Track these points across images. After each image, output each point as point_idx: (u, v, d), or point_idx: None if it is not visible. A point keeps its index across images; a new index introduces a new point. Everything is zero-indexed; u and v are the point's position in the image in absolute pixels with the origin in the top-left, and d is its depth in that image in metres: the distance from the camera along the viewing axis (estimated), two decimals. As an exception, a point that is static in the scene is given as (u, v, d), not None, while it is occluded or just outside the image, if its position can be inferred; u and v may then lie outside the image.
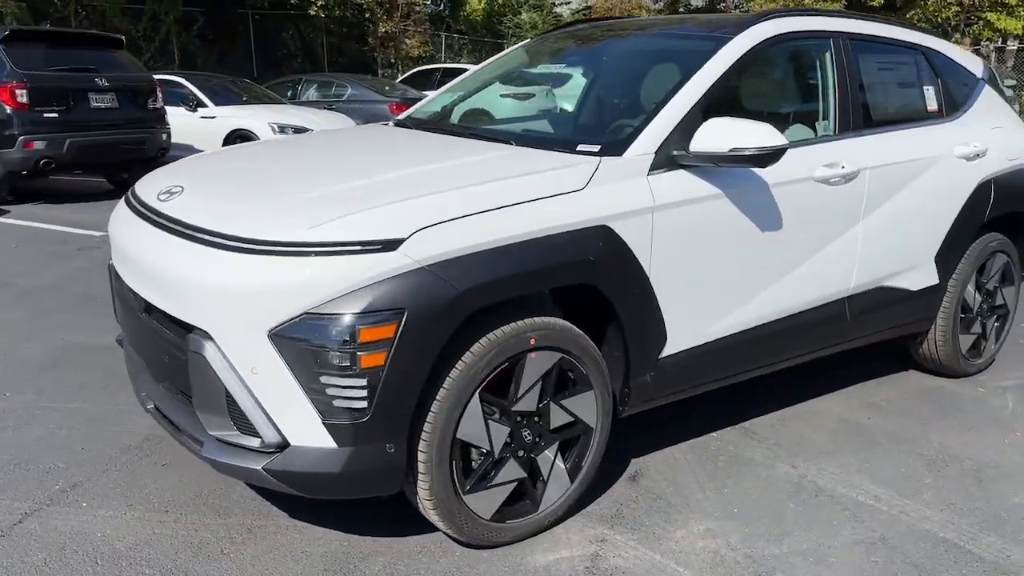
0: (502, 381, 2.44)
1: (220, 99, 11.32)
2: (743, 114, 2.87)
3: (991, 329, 4.16)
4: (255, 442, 2.26)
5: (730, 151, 2.67)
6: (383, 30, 22.88)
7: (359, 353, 2.14)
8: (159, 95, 9.59)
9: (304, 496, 2.34)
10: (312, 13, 21.04)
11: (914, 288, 3.67)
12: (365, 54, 23.48)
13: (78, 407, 3.45)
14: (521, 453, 2.54)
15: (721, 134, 2.68)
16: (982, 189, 3.80)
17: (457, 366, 2.32)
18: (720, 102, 2.96)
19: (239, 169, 3.04)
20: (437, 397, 2.30)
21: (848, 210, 3.28)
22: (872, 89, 3.53)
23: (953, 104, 3.88)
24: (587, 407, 2.64)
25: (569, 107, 3.89)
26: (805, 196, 3.10)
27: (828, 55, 3.36)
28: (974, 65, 4.10)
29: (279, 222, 2.27)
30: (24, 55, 8.40)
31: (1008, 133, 4.05)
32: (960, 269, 3.86)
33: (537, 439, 2.57)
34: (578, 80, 3.92)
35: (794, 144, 2.97)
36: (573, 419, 2.63)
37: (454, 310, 2.22)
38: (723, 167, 2.77)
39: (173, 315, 2.36)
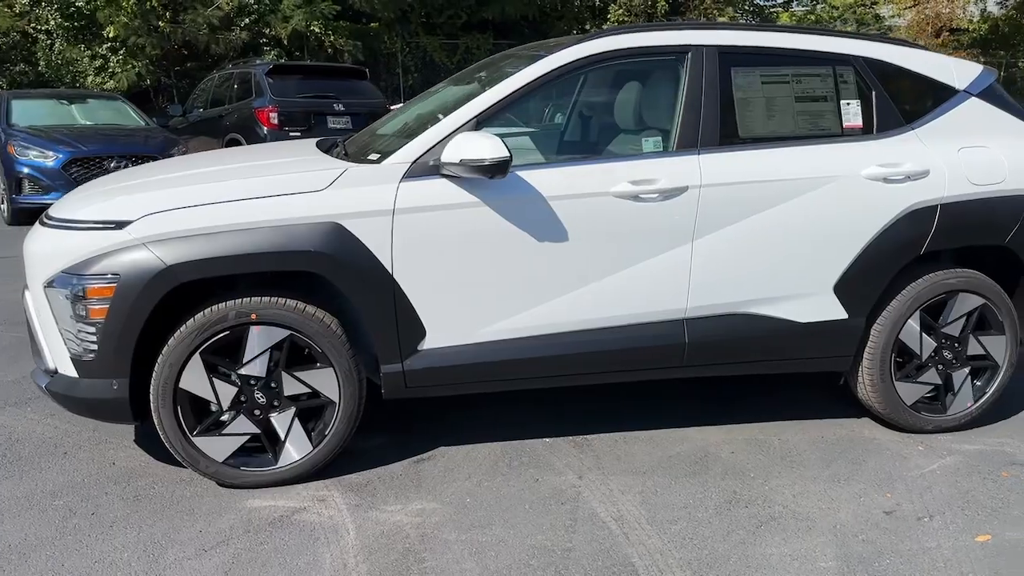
0: (234, 347, 2.93)
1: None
2: (555, 128, 3.02)
3: (962, 383, 3.56)
4: (43, 368, 3.03)
5: (460, 161, 2.87)
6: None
7: (89, 306, 2.81)
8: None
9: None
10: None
11: (802, 320, 3.35)
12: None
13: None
14: (257, 412, 3.00)
15: (459, 146, 2.89)
16: (917, 216, 3.34)
17: (180, 328, 2.87)
18: (526, 115, 3.12)
19: (149, 170, 3.80)
20: (162, 352, 2.87)
21: (670, 228, 3.17)
22: (748, 104, 3.32)
23: (894, 119, 3.44)
24: (328, 382, 3.01)
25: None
26: (600, 210, 3.10)
27: (680, 70, 3.28)
28: (953, 76, 3.56)
29: (69, 206, 3.02)
30: (281, 84, 10.34)
31: (987, 154, 3.46)
32: (892, 306, 3.42)
33: (274, 403, 3.01)
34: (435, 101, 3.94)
35: (589, 159, 3.03)
36: (311, 390, 3.01)
37: (161, 280, 2.79)
38: (476, 177, 2.95)
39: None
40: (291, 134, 10.15)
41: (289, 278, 3.03)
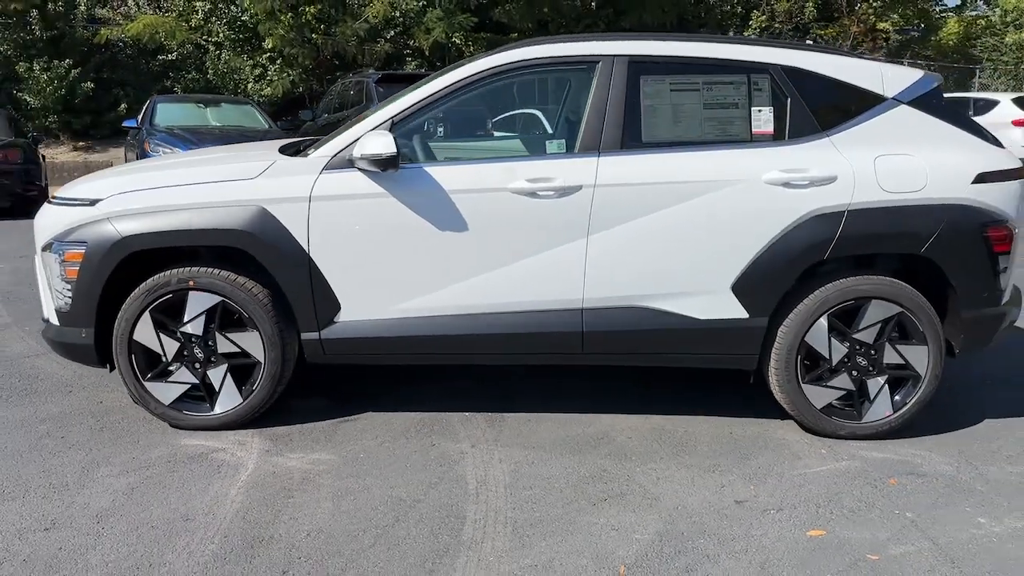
0: (178, 308, 3.50)
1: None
2: (472, 130, 3.40)
3: (878, 391, 3.56)
4: (42, 317, 3.73)
5: (361, 156, 3.30)
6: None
7: (66, 267, 3.46)
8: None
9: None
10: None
11: (700, 317, 3.50)
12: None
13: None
14: (197, 365, 3.55)
15: (363, 144, 3.32)
16: (820, 221, 3.40)
17: (135, 291, 3.47)
18: (439, 119, 3.51)
19: (150, 163, 4.46)
20: (121, 308, 3.48)
21: (566, 223, 3.42)
22: (654, 111, 3.51)
23: (809, 126, 3.49)
24: (254, 344, 3.52)
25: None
26: (496, 204, 3.41)
27: (590, 78, 3.52)
28: (882, 84, 3.56)
29: (67, 187, 3.69)
30: (388, 92, 11.10)
31: (908, 162, 3.45)
32: (799, 309, 3.49)
33: (210, 359, 3.54)
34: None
35: (498, 159, 3.37)
36: (240, 350, 3.53)
37: (117, 248, 3.39)
38: (389, 171, 3.36)
39: None
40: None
41: (230, 253, 3.55)
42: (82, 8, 17.89)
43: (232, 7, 18.50)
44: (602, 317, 3.51)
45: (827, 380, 3.57)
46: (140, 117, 11.16)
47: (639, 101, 3.51)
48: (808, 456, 3.46)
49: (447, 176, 3.43)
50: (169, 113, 11.07)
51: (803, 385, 3.55)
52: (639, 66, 3.53)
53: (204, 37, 18.89)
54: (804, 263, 3.44)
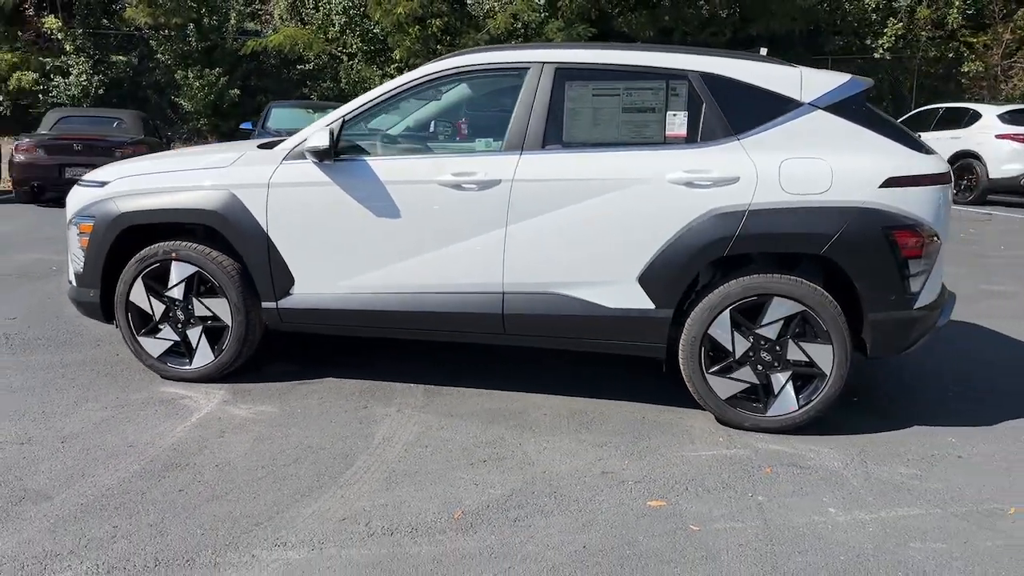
0: (165, 276, 4.13)
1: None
2: (420, 131, 3.87)
3: (783, 387, 3.68)
4: (68, 280, 4.48)
5: (306, 148, 3.81)
6: (973, 68, 21.04)
7: (80, 238, 4.18)
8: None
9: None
10: (878, 56, 20.76)
11: (610, 305, 3.75)
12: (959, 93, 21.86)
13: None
14: (179, 325, 4.17)
15: (309, 138, 3.82)
16: (720, 219, 3.58)
17: (131, 260, 4.13)
18: (391, 119, 3.98)
19: (159, 154, 5.14)
20: (120, 274, 4.15)
21: (486, 213, 3.77)
22: (576, 114, 3.80)
23: (721, 129, 3.67)
24: (223, 310, 4.10)
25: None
26: (426, 195, 3.82)
27: (521, 84, 3.85)
28: (799, 89, 3.68)
29: (91, 173, 4.42)
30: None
31: (814, 165, 3.57)
32: (704, 303, 3.68)
33: (189, 320, 4.16)
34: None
35: (432, 154, 3.83)
36: (212, 314, 4.12)
37: (116, 223, 4.07)
38: (326, 161, 3.85)
39: None
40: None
41: (208, 230, 4.14)
42: (232, 22, 19.68)
43: (365, 20, 19.75)
44: (520, 301, 3.83)
45: (732, 372, 3.72)
46: (258, 121, 12.30)
47: (563, 105, 3.81)
48: (703, 442, 3.63)
49: (384, 168, 3.88)
50: (281, 117, 12.16)
51: (708, 376, 3.73)
52: (564, 72, 3.83)
53: (339, 48, 20.28)
54: (705, 258, 3.63)
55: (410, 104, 4.11)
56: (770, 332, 3.65)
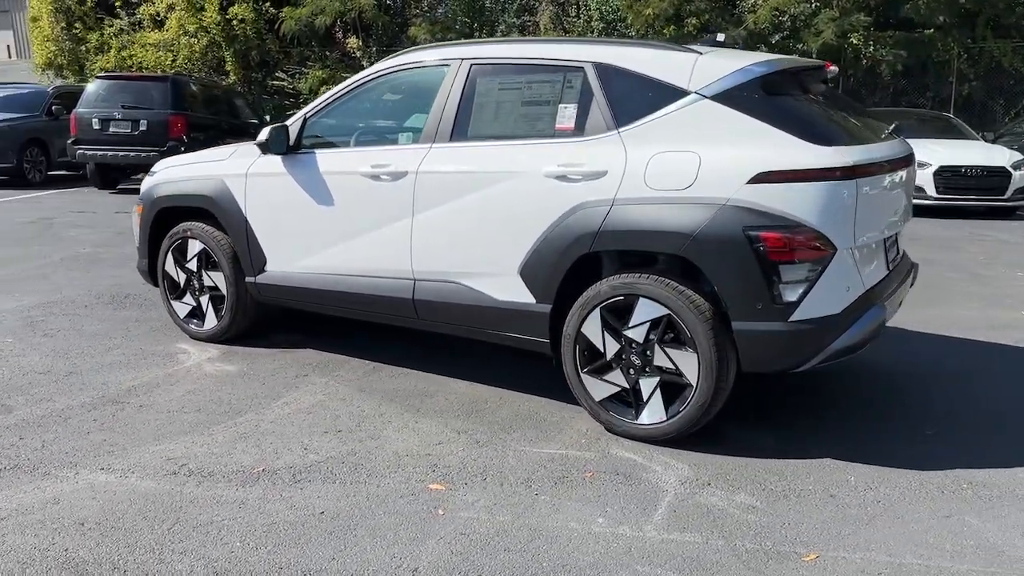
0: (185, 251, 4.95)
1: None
2: (369, 125, 4.35)
3: (651, 394, 3.47)
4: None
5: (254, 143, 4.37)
6: None
7: (137, 217, 5.15)
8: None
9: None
10: None
11: (499, 297, 3.80)
12: None
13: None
14: (196, 293, 4.95)
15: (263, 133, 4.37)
16: (585, 214, 3.48)
17: (166, 238, 5.00)
18: (349, 115, 4.43)
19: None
20: (159, 245, 5.05)
21: (397, 203, 4.00)
22: (480, 108, 3.89)
23: (604, 121, 3.54)
24: (220, 281, 4.80)
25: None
26: (351, 185, 4.16)
27: (439, 80, 4.03)
28: (688, 78, 3.41)
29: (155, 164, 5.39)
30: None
31: (684, 159, 3.32)
32: (579, 300, 3.60)
33: (202, 289, 4.92)
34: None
35: (363, 146, 4.23)
36: (214, 285, 4.84)
37: (153, 205, 4.97)
38: (298, 155, 4.36)
39: None
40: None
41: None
42: (499, 35, 21.09)
43: (621, 24, 20.05)
44: (427, 289, 4.02)
45: (605, 374, 3.58)
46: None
47: (473, 99, 3.93)
48: (562, 441, 3.55)
49: (325, 160, 4.29)
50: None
51: (583, 375, 3.62)
52: (478, 68, 3.95)
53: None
54: (574, 254, 3.53)
55: (365, 102, 4.44)
56: (638, 335, 3.45)
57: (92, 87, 13.22)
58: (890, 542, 2.76)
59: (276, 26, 20.82)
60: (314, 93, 20.67)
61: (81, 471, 3.25)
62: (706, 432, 3.53)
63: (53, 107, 14.20)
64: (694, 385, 3.35)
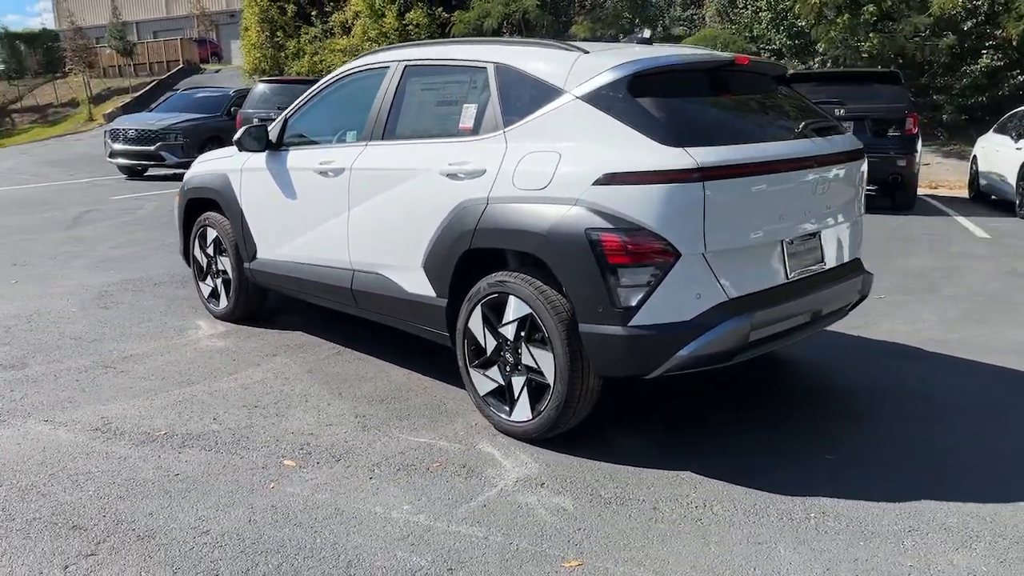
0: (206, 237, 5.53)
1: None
2: (331, 123, 4.74)
3: (520, 391, 3.50)
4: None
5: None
6: None
7: (176, 205, 5.82)
8: (910, 125, 10.39)
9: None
10: None
11: (409, 290, 3.96)
12: None
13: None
14: (214, 275, 5.51)
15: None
16: (466, 212, 3.56)
17: (194, 225, 5.61)
18: (317, 114, 4.80)
19: None
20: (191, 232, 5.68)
21: (338, 197, 4.27)
22: (406, 108, 4.05)
23: (495, 121, 3.59)
24: (228, 265, 5.32)
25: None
26: (307, 180, 4.49)
27: (380, 82, 4.25)
28: (567, 77, 3.38)
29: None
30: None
31: (547, 159, 3.31)
32: (467, 297, 3.70)
33: (215, 272, 5.47)
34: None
35: (320, 145, 4.58)
36: (224, 269, 5.38)
37: (184, 196, 5.60)
38: (276, 152, 4.78)
39: None
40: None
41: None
42: (659, 29, 20.77)
43: (790, 15, 19.08)
44: (361, 279, 4.26)
45: (486, 369, 3.64)
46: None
47: (403, 99, 4.12)
48: (442, 432, 3.65)
49: (292, 157, 4.64)
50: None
51: (471, 369, 3.71)
52: (410, 70, 4.13)
53: (762, 46, 19.91)
54: (458, 250, 3.62)
55: (330, 102, 4.72)
56: (510, 332, 3.49)
57: (257, 89, 14.67)
58: (670, 560, 2.65)
59: (447, 29, 21.84)
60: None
61: (29, 421, 3.81)
62: (588, 435, 3.52)
63: (232, 108, 15.87)
64: (551, 385, 3.34)
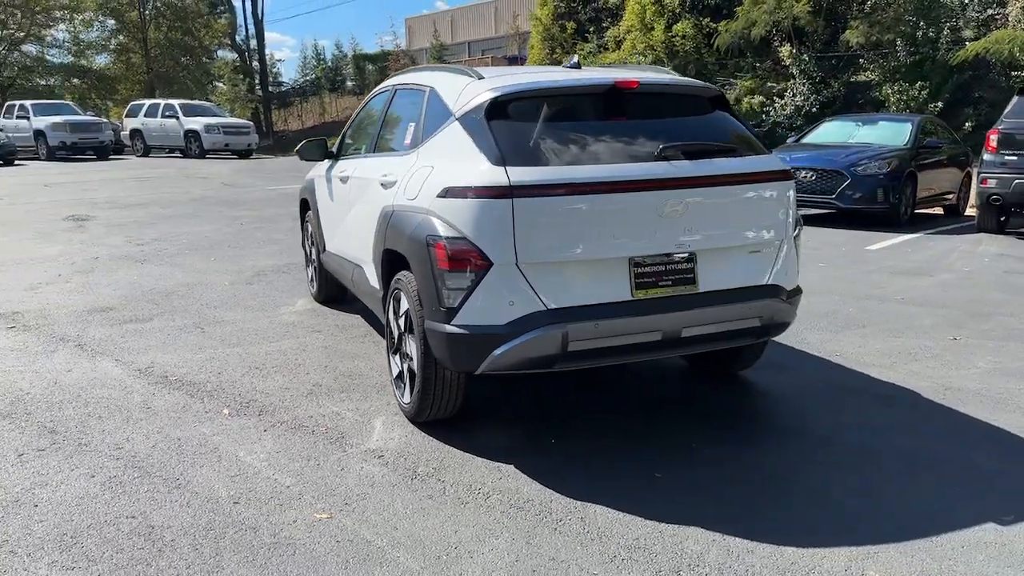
0: (310, 232, 6.61)
1: None
2: (358, 138, 5.63)
3: (408, 376, 3.99)
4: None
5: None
6: None
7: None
8: None
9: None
10: None
11: (371, 282, 4.61)
12: None
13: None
14: (311, 265, 6.59)
15: (309, 144, 5.77)
16: (383, 217, 4.09)
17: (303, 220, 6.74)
18: (352, 131, 5.66)
19: None
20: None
21: (347, 201, 5.05)
22: (386, 125, 4.70)
23: (418, 138, 4.10)
24: (314, 253, 6.34)
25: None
26: (338, 186, 5.32)
27: (383, 102, 4.94)
28: (455, 101, 3.79)
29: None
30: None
31: (425, 174, 3.76)
32: (389, 290, 4.25)
33: (311, 260, 6.52)
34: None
35: (346, 156, 5.43)
36: (316, 258, 6.41)
37: (299, 194, 6.75)
38: (335, 161, 5.71)
39: None
40: (1006, 158, 9.61)
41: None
42: (946, 32, 18.67)
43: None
44: (355, 271, 4.99)
45: (395, 355, 4.17)
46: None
47: (386, 117, 4.79)
48: (357, 405, 4.25)
49: (335, 167, 5.50)
50: (829, 129, 12.20)
51: (389, 355, 4.26)
52: (397, 92, 4.79)
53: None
54: (379, 249, 4.18)
55: (364, 120, 5.46)
56: (401, 323, 3.98)
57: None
58: (413, 530, 3.00)
59: (711, 40, 21.66)
60: (738, 103, 21.02)
61: (101, 359, 5.07)
62: (464, 426, 3.93)
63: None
64: (416, 372, 3.78)
